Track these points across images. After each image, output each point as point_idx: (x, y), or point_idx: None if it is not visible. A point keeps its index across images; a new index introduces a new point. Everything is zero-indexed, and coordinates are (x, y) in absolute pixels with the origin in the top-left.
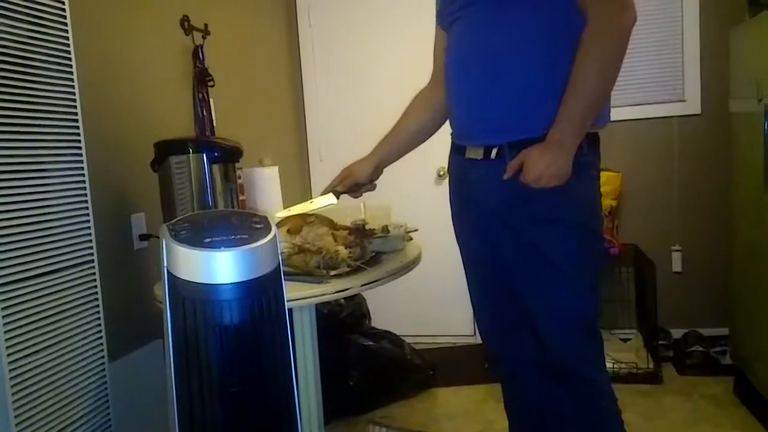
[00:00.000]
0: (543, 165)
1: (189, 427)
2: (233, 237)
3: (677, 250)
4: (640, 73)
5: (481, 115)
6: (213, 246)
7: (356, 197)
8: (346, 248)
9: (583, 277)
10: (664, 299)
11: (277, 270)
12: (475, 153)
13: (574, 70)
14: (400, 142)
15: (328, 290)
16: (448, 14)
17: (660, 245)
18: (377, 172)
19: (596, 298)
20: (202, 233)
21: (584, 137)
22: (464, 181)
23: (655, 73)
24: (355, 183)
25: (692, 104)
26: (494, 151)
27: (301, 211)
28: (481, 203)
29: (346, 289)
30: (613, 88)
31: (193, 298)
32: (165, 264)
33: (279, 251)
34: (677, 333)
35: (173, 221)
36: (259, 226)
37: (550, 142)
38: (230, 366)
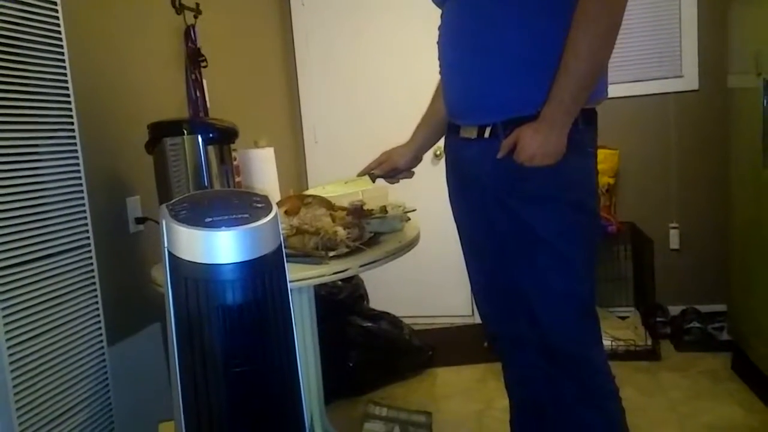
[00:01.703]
0: (536, 144)
1: (193, 407)
2: (234, 216)
3: (675, 228)
4: (636, 49)
5: (474, 95)
6: (214, 225)
7: (393, 183)
8: (344, 229)
9: (577, 257)
10: (662, 277)
11: (279, 249)
12: (468, 132)
13: (567, 47)
14: (436, 126)
15: (327, 271)
16: None
17: (657, 223)
18: (417, 158)
19: (591, 277)
20: (203, 213)
21: (579, 113)
22: (459, 160)
23: (652, 49)
24: (393, 168)
25: (690, 80)
26: (488, 130)
27: (335, 191)
28: (476, 182)
29: (345, 270)
30: (607, 64)
31: (195, 278)
32: (165, 245)
33: (281, 230)
34: (675, 310)
35: (173, 201)
36: (259, 205)
37: (543, 120)
38: (233, 346)
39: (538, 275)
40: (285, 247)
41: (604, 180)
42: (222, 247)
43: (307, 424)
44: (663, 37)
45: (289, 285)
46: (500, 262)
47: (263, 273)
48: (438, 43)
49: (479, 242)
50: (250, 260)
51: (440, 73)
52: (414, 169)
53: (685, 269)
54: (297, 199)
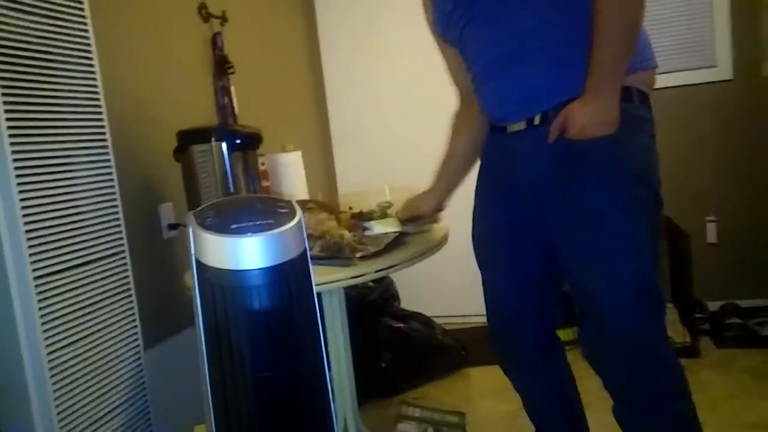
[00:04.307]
0: (585, 115)
1: (223, 413)
2: (259, 222)
3: (712, 221)
4: (667, 39)
5: (518, 91)
6: (239, 232)
7: (421, 230)
8: (349, 231)
9: (642, 235)
10: (700, 271)
11: (303, 254)
12: (517, 126)
13: (596, 13)
14: (456, 171)
15: (351, 274)
16: (456, 21)
17: (694, 216)
18: (440, 205)
19: (656, 259)
20: (228, 220)
21: (635, 92)
22: (505, 158)
23: (684, 39)
24: (416, 216)
25: (724, 70)
26: (537, 118)
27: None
28: (528, 176)
29: (362, 275)
30: (641, 24)
31: (222, 284)
32: (193, 252)
33: (305, 235)
34: (714, 306)
35: (199, 209)
36: (284, 210)
37: (587, 91)
38: (261, 351)
39: (596, 260)
40: (310, 249)
41: None
42: (247, 253)
43: (336, 428)
44: (695, 27)
45: (315, 288)
46: (537, 263)
47: (288, 278)
48: (471, 68)
49: (519, 246)
50: (275, 266)
51: (481, 93)
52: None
53: (723, 264)
54: (299, 205)
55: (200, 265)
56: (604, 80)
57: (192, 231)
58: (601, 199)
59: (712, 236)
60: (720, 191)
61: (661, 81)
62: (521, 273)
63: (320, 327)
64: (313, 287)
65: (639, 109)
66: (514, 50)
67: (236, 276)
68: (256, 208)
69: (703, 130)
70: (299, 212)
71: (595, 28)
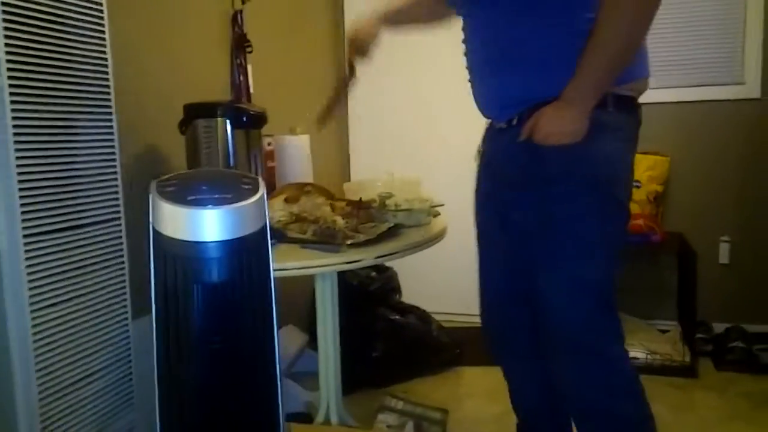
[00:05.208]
0: (553, 122)
1: (167, 380)
2: (218, 196)
3: (726, 241)
4: (694, 52)
5: (502, 92)
6: (196, 203)
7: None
8: (342, 219)
9: (595, 243)
10: (709, 292)
11: (262, 230)
12: (500, 125)
13: (596, 25)
14: (407, 10)
15: (341, 260)
16: (461, 5)
17: (707, 235)
18: (378, 27)
19: (612, 269)
20: (188, 191)
21: (611, 98)
22: (489, 150)
23: (712, 53)
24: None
25: (752, 87)
26: (515, 118)
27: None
28: (501, 171)
29: (353, 261)
30: (639, 45)
31: (174, 254)
32: (151, 220)
33: (266, 212)
34: (719, 328)
35: (164, 177)
36: (247, 186)
37: (562, 99)
38: (210, 322)
39: (548, 260)
40: (303, 233)
41: (652, 187)
42: (201, 224)
43: (280, 407)
44: (725, 40)
45: (272, 267)
46: (513, 256)
47: (242, 253)
48: (465, 54)
49: (494, 238)
50: (230, 240)
51: (470, 82)
52: (449, 162)
53: (733, 285)
54: (296, 188)
55: (156, 233)
56: (583, 91)
57: (151, 199)
58: (558, 203)
59: (724, 257)
60: (737, 212)
61: (684, 95)
62: (511, 264)
63: (274, 305)
64: (270, 264)
65: (611, 115)
66: (499, 54)
67: (189, 247)
68: (219, 181)
69: (726, 148)
70: (262, 189)
71: (591, 40)
